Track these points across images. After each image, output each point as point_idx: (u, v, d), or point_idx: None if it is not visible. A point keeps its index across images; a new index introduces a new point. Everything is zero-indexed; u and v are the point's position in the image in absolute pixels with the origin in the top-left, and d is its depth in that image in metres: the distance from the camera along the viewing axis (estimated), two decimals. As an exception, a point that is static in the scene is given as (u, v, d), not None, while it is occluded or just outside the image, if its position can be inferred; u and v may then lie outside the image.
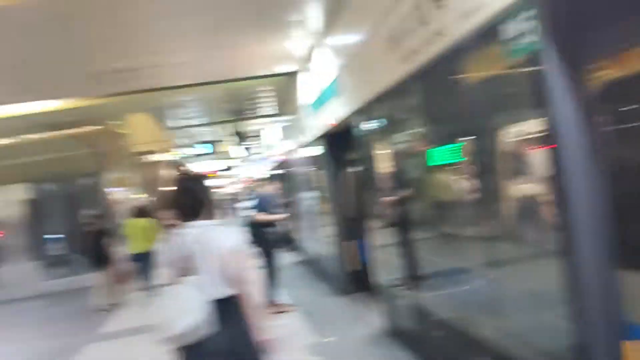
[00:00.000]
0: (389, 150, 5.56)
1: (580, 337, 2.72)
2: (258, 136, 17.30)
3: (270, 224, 7.60)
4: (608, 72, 2.63)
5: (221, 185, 59.22)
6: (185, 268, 2.96)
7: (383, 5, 4.49)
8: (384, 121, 5.20)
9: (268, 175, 8.44)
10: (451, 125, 4.36)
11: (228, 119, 11.81)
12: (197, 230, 3.01)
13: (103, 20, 5.65)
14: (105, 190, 14.15)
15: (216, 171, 30.78)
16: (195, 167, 30.82)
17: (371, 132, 5.74)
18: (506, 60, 2.98)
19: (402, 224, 5.48)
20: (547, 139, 2.75)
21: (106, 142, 14.97)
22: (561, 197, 2.70)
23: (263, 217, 7.56)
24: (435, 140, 4.61)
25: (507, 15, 2.83)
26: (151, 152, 25.78)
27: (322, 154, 8.35)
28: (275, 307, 7.69)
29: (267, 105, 11.85)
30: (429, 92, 4.45)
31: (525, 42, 2.75)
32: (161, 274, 3.21)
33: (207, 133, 14.98)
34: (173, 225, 3.10)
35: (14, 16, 5.21)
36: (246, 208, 7.81)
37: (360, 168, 8.02)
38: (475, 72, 3.58)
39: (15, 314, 11.87)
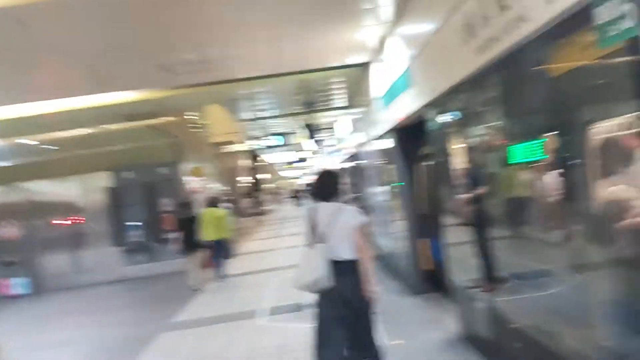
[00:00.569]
0: (466, 145, 5.23)
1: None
2: (330, 129, 17.18)
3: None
4: None
5: (296, 177, 60.13)
6: (319, 235, 4.17)
7: (459, -10, 4.17)
8: (460, 115, 4.87)
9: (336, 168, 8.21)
10: (534, 120, 4.01)
11: (299, 111, 11.70)
12: (331, 209, 4.21)
13: (176, 11, 5.66)
14: (183, 179, 14.47)
15: (291, 162, 31.06)
16: (268, 158, 31.40)
17: (446, 125, 5.42)
18: (599, 48, 2.60)
19: (479, 223, 5.18)
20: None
21: (184, 133, 15.37)
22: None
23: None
24: (516, 135, 4.27)
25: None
26: (227, 143, 26.47)
27: (394, 148, 8.07)
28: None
29: (338, 98, 11.66)
30: (509, 83, 4.11)
31: (620, 27, 2.38)
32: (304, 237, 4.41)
33: (280, 125, 15.01)
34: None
35: (90, 8, 5.28)
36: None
37: (434, 163, 7.74)
38: (562, 62, 3.22)
39: (94, 298, 12.41)
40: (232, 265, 13.04)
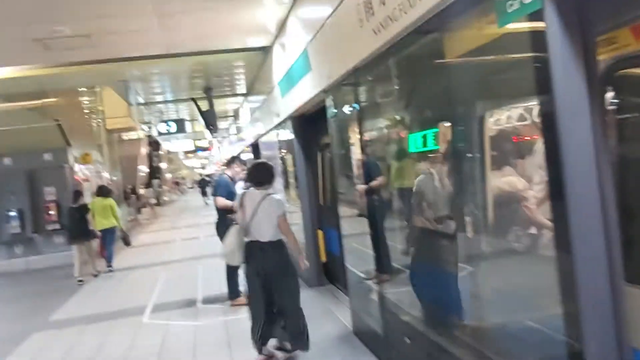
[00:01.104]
0: (363, 135, 5.05)
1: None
2: (232, 116, 16.66)
3: (233, 210, 7.01)
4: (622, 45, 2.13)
5: (198, 166, 58.62)
6: (245, 217, 4.93)
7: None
8: (357, 102, 4.65)
9: (229, 159, 7.79)
10: (430, 108, 3.87)
11: (195, 96, 11.08)
12: (259, 195, 4.89)
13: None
14: (70, 166, 13.43)
15: (191, 151, 30.05)
16: (169, 147, 30.23)
17: (344, 113, 5.20)
18: (499, 26, 2.43)
19: (374, 214, 5.04)
20: (546, 125, 2.25)
21: (72, 116, 14.26)
22: (556, 193, 2.20)
23: (221, 202, 6.98)
24: (412, 124, 4.13)
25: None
26: (123, 130, 25.15)
27: (293, 137, 7.80)
28: (236, 300, 7.18)
29: (238, 84, 11.19)
30: (405, 69, 3.93)
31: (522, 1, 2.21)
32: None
33: (179, 111, 14.29)
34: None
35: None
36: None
37: (332, 153, 7.57)
38: (460, 44, 3.06)
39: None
40: (122, 258, 12.34)
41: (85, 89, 20.14)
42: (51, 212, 13.03)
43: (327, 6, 4.62)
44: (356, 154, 5.12)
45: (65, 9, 5.64)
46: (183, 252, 12.98)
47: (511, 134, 2.90)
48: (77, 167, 14.15)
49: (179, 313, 7.26)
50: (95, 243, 11.39)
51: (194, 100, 10.90)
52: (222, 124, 16.33)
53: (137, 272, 11.09)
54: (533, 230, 2.73)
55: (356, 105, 4.71)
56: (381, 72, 4.14)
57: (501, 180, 3.02)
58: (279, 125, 8.74)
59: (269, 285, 4.89)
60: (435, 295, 4.05)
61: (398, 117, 4.36)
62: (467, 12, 2.74)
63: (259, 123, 11.06)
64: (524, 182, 2.80)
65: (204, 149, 27.70)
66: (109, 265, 11.22)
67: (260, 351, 5.09)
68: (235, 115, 16.42)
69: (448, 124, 3.51)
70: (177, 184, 49.54)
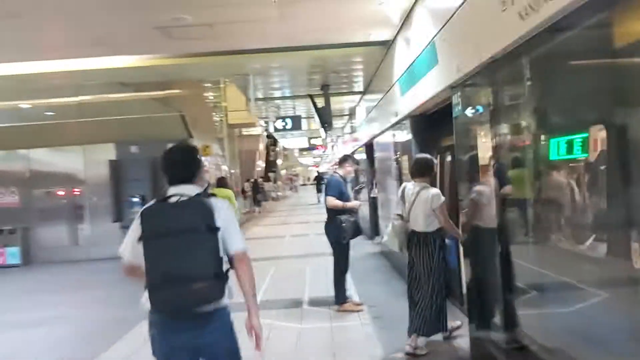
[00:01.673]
0: (495, 137, 4.50)
1: None
2: (345, 115, 16.41)
3: (343, 211, 6.68)
4: None
5: (311, 164, 59.53)
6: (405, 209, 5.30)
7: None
8: (490, 99, 4.09)
9: (341, 157, 7.45)
10: (580, 109, 3.25)
11: (311, 93, 10.91)
12: (417, 188, 5.16)
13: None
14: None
15: (307, 149, 30.33)
16: (286, 144, 30.74)
17: (472, 112, 4.66)
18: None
19: (501, 226, 4.47)
20: None
21: (194, 108, 14.76)
22: None
23: (331, 202, 6.68)
24: (554, 128, 3.53)
25: None
26: (244, 125, 25.92)
27: (410, 138, 7.32)
28: (342, 305, 6.85)
29: (355, 81, 10.86)
30: (556, 60, 3.34)
31: None
32: None
33: (294, 107, 14.27)
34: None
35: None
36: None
37: (455, 156, 6.99)
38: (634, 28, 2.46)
39: (86, 273, 11.84)
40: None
41: (209, 85, 21.06)
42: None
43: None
44: (484, 158, 4.57)
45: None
46: (292, 248, 12.95)
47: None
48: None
49: (284, 313, 7.04)
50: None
51: (310, 96, 10.75)
52: (337, 123, 16.13)
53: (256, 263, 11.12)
54: None
55: (489, 103, 4.16)
56: (524, 64, 3.57)
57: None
58: (395, 125, 8.29)
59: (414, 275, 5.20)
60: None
61: (538, 119, 3.76)
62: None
63: (374, 123, 10.66)
64: None
65: (318, 148, 27.78)
66: None
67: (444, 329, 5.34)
68: (351, 114, 16.15)
69: (604, 128, 2.91)
70: (290, 180, 50.59)
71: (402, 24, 6.67)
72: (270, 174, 33.98)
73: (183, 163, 2.98)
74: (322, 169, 52.82)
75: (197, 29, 6.39)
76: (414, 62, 6.14)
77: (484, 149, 4.42)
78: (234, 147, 27.70)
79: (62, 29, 6.37)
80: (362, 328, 6.15)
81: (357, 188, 8.06)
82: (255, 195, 27.09)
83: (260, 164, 34.39)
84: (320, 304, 7.26)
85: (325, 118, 10.65)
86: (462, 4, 4.18)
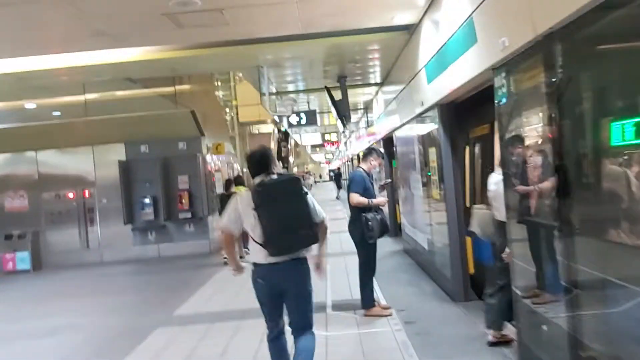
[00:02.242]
0: (551, 122, 4.00)
1: None
2: (359, 109, 15.90)
3: (368, 208, 6.19)
4: None
5: (323, 161, 58.94)
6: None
7: None
8: (546, 79, 3.57)
9: (365, 151, 6.95)
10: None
11: (327, 85, 10.38)
12: (496, 178, 4.91)
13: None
14: (202, 156, 13.45)
15: (321, 145, 29.83)
16: (298, 140, 30.26)
17: (520, 95, 4.15)
18: None
19: (545, 220, 4.04)
20: None
21: (205, 106, 14.33)
22: None
23: (356, 199, 6.18)
24: (620, 109, 3.03)
25: None
26: (253, 122, 25.50)
27: (438, 128, 6.82)
28: (370, 310, 6.37)
29: (372, 72, 10.33)
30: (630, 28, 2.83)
31: None
32: None
33: (309, 102, 13.75)
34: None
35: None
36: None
37: (484, 146, 6.49)
38: None
39: (97, 278, 11.45)
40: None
41: (220, 81, 20.64)
42: (183, 201, 13.11)
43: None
44: (535, 147, 4.06)
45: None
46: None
47: None
48: (209, 157, 14.19)
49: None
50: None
51: (327, 88, 10.23)
52: (351, 117, 15.58)
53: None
54: None
55: (546, 83, 3.65)
56: (588, 37, 3.06)
57: None
58: (420, 116, 7.78)
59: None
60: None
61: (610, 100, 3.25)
62: None
63: (394, 115, 10.15)
64: None
65: (331, 144, 27.24)
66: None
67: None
68: (367, 108, 15.63)
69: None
70: (303, 177, 50.11)
71: (430, 4, 6.15)
72: (283, 170, 33.52)
73: (263, 161, 4.08)
74: (334, 165, 52.21)
75: (208, 15, 5.91)
76: (445, 44, 5.62)
77: (539, 136, 3.91)
78: (245, 145, 27.32)
79: (60, 19, 5.88)
80: (395, 335, 5.66)
81: (382, 183, 7.50)
82: None
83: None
84: (345, 309, 6.79)
85: (343, 111, 10.14)
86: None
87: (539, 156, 4.09)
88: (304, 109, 13.26)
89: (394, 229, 11.71)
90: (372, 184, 6.41)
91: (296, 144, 38.03)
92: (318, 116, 14.24)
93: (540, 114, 3.75)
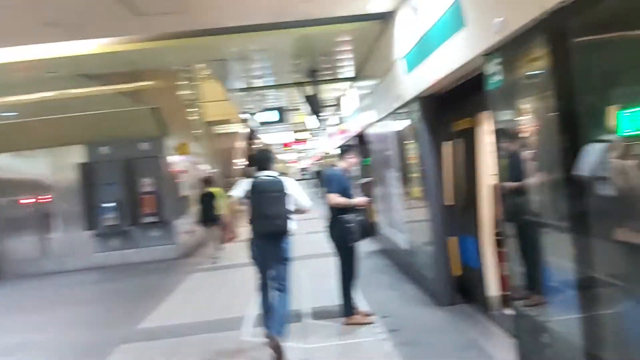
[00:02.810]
0: (530, 112, 3.65)
1: None
2: (335, 105, 15.48)
3: (348, 209, 5.76)
4: None
5: (292, 160, 58.29)
6: None
7: None
8: (544, 65, 3.20)
9: (343, 147, 6.53)
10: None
11: (297, 81, 9.92)
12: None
13: None
14: (166, 157, 12.84)
15: (290, 143, 29.31)
16: (265, 138, 29.70)
17: (515, 83, 3.77)
18: None
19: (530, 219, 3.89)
20: None
21: (168, 104, 13.71)
22: None
23: (334, 200, 5.74)
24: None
25: None
26: (220, 122, 24.86)
27: (418, 123, 6.43)
28: (351, 318, 5.94)
29: (343, 66, 9.91)
30: None
31: None
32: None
33: (278, 98, 13.24)
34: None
35: None
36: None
37: (468, 142, 6.13)
38: None
39: (58, 288, 10.76)
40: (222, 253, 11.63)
41: (184, 80, 19.94)
42: (147, 205, 12.48)
43: None
44: (532, 141, 3.70)
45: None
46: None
47: None
48: (173, 158, 13.58)
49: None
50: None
51: (298, 83, 9.78)
52: (324, 114, 15.10)
53: (238, 271, 10.15)
54: None
55: (540, 71, 3.28)
56: (606, 13, 2.69)
57: None
58: (398, 110, 7.39)
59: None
60: None
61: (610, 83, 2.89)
62: None
63: (368, 110, 9.76)
64: None
65: (301, 142, 26.74)
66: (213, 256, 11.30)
67: None
68: (337, 105, 15.21)
69: None
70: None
71: (409, -11, 5.76)
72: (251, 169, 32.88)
73: (265, 159, 5.41)
74: (303, 164, 51.64)
75: (167, 1, 5.40)
76: (426, 32, 5.23)
77: (542, 128, 3.54)
78: (212, 145, 26.62)
79: (7, 8, 5.31)
80: (380, 345, 5.25)
81: (362, 182, 7.06)
82: None
83: (240, 162, 33.30)
84: (325, 316, 6.35)
85: (316, 107, 9.71)
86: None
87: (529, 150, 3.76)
88: (273, 105, 12.75)
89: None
90: (350, 183, 5.97)
91: (264, 144, 37.44)
92: (287, 114, 13.78)
93: (542, 104, 3.38)
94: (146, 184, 12.71)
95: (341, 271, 6.00)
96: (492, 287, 5.91)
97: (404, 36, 6.24)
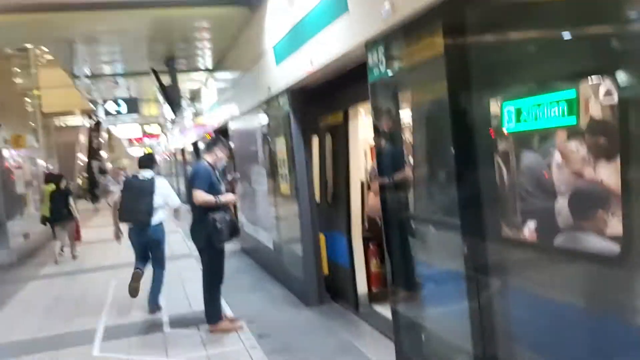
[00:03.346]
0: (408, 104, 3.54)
1: None
2: (190, 98, 14.75)
3: (215, 207, 5.29)
4: None
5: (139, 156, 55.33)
6: None
7: None
8: (451, 51, 3.05)
9: (209, 141, 6.04)
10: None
11: (154, 68, 9.13)
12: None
13: None
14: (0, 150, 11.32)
15: (139, 138, 27.68)
16: (115, 131, 27.71)
17: (404, 73, 3.61)
18: None
19: (397, 216, 3.91)
20: None
21: (1, 90, 12.08)
22: None
23: (201, 197, 5.22)
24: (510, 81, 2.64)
25: None
26: (60, 113, 22.75)
27: (287, 117, 6.14)
28: (217, 324, 5.49)
29: (202, 55, 9.35)
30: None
31: None
32: None
33: (129, 88, 12.20)
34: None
35: None
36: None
37: (335, 138, 5.99)
38: None
39: None
40: (68, 259, 10.57)
41: (19, 66, 17.88)
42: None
43: None
44: (413, 134, 3.57)
45: None
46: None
47: None
48: (7, 152, 11.99)
49: (140, 342, 5.49)
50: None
51: (154, 71, 9.01)
52: (179, 103, 14.23)
53: (84, 277, 9.17)
54: None
55: (431, 61, 3.14)
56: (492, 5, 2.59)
57: None
58: (265, 104, 7.06)
59: None
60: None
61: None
62: None
63: (231, 103, 9.30)
64: None
65: (152, 136, 25.27)
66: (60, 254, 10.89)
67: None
68: (194, 97, 14.49)
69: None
70: (118, 174, 46.40)
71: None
72: (94, 163, 30.55)
73: (143, 162, 6.59)
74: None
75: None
76: (303, 17, 4.94)
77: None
78: (50, 139, 24.34)
79: None
80: (250, 353, 4.86)
81: (230, 179, 6.58)
82: (93, 190, 24.58)
83: (83, 158, 30.86)
84: (186, 324, 5.83)
85: (174, 97, 9.03)
86: None
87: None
88: (124, 95, 11.74)
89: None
90: (218, 179, 5.50)
91: (110, 137, 35.08)
92: (139, 104, 12.80)
93: (429, 97, 3.24)
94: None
95: (207, 274, 5.52)
96: (361, 285, 5.84)
97: (275, 24, 5.90)
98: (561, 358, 2.50)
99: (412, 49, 3.38)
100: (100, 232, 13.46)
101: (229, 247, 9.67)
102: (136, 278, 6.24)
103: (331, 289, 6.31)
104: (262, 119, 7.44)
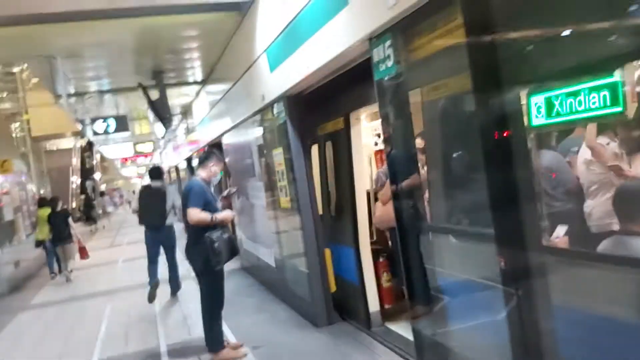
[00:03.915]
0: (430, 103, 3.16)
1: None
2: (181, 113, 14.37)
3: (212, 226, 4.89)
4: None
5: (138, 175, 54.75)
6: None
7: None
8: (461, 45, 2.69)
9: (202, 155, 5.58)
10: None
11: (140, 84, 8.73)
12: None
13: None
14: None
15: (132, 157, 27.21)
16: (106, 151, 27.29)
17: (413, 70, 3.24)
18: None
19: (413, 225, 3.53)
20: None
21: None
22: None
23: (196, 216, 4.82)
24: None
25: None
26: (50, 136, 22.38)
27: (284, 125, 5.76)
28: (220, 353, 5.07)
29: (193, 67, 8.98)
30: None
31: None
32: None
33: (117, 106, 11.78)
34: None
35: None
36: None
37: (342, 143, 5.60)
38: None
39: None
40: (59, 284, 10.17)
41: (4, 91, 17.53)
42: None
43: None
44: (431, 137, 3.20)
45: None
46: (129, 276, 10.53)
47: None
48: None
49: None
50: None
51: (141, 86, 8.62)
52: (172, 123, 13.85)
53: (76, 304, 8.73)
54: None
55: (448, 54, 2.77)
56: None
57: None
58: (259, 113, 6.70)
59: None
60: None
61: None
62: None
63: (223, 116, 8.92)
64: None
65: (145, 155, 24.78)
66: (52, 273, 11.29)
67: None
68: (185, 112, 14.11)
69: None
70: (112, 195, 45.85)
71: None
72: (88, 183, 30.15)
73: (154, 174, 8.14)
74: (146, 180, 48.62)
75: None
76: (295, 18, 4.57)
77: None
78: (41, 164, 23.96)
79: None
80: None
81: (225, 194, 6.14)
82: (90, 211, 24.52)
83: (76, 180, 30.43)
84: (185, 354, 5.41)
85: (163, 112, 8.64)
86: None
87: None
88: (113, 114, 11.34)
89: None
90: (212, 195, 5.11)
91: (102, 159, 34.65)
92: (129, 123, 12.37)
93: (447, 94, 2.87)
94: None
95: (206, 300, 5.10)
96: (373, 302, 5.45)
97: (268, 27, 5.53)
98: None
99: (425, 39, 3.01)
100: (96, 255, 13.06)
101: (228, 265, 9.32)
102: (154, 287, 7.55)
103: (339, 307, 5.89)
104: (258, 130, 7.06)
